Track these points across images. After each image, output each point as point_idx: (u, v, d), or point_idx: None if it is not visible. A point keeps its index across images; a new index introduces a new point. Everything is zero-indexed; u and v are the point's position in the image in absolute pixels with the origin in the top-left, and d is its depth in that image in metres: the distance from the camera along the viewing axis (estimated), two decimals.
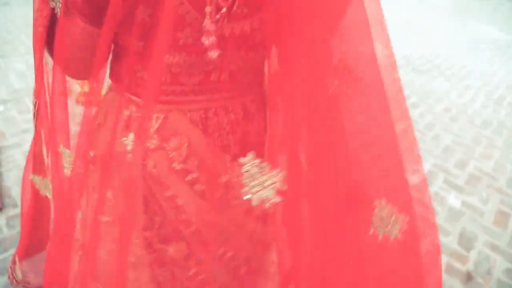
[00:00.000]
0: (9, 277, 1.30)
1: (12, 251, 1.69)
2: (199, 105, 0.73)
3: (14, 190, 2.10)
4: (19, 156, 2.40)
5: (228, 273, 0.86)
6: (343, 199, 0.71)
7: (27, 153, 1.15)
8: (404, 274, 0.75)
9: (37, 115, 0.98)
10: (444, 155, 2.96)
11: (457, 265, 2.01)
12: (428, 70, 4.57)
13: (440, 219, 2.30)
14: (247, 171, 0.65)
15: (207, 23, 0.61)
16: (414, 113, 3.47)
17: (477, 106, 3.91)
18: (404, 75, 4.22)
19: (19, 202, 1.95)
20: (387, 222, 0.68)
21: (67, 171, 0.83)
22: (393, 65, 0.66)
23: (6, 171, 2.28)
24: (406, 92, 3.79)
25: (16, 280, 1.27)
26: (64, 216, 0.85)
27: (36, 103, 0.95)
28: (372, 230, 0.69)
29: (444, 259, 2.02)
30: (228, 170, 0.76)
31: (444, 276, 1.93)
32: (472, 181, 2.71)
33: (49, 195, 1.05)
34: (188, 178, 0.75)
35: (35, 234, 1.20)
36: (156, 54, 0.57)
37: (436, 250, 0.76)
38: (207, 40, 0.62)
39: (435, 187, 2.57)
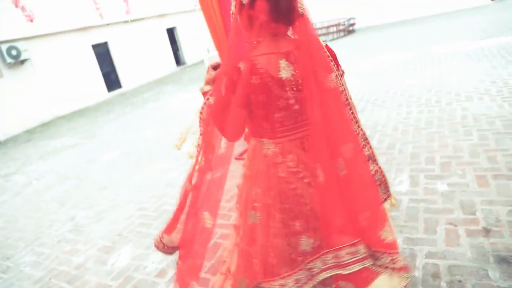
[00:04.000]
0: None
1: None
2: (296, 136, 1.38)
3: None
4: None
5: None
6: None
7: None
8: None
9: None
10: (414, 160, 3.48)
11: (473, 227, 2.38)
12: (364, 108, 5.36)
13: (440, 204, 2.72)
14: None
15: (290, 95, 1.31)
16: (373, 141, 4.07)
17: (414, 114, 4.64)
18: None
19: None
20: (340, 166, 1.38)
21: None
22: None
23: None
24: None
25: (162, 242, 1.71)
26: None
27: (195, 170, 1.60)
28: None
29: (462, 230, 2.40)
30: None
31: (469, 239, 2.29)
32: (445, 167, 3.22)
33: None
34: (300, 175, 1.37)
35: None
36: (271, 115, 1.33)
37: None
38: (291, 101, 1.32)
39: (422, 184, 3.03)
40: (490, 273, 2.01)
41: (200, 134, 1.63)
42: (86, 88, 13.65)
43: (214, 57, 5.50)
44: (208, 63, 5.75)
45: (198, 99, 8.95)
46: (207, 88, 1.58)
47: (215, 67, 1.58)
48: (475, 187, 2.82)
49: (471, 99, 4.72)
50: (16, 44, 11.27)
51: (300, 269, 1.38)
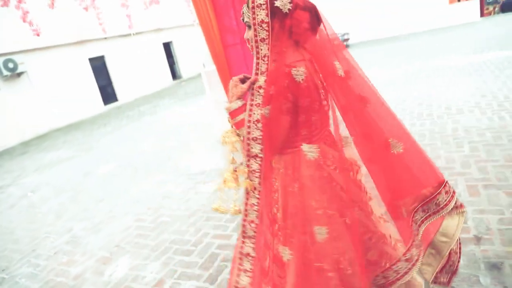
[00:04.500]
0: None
1: None
2: (324, 135, 1.48)
3: None
4: None
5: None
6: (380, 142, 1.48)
7: None
8: (405, 169, 1.50)
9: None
10: None
11: (465, 235, 2.45)
12: None
13: None
14: None
15: (322, 97, 1.42)
16: None
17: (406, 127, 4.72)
18: None
19: None
20: (394, 145, 1.45)
21: None
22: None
23: None
24: None
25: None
26: None
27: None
28: (391, 150, 1.45)
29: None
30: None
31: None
32: None
33: None
34: (338, 172, 1.46)
35: None
36: (310, 118, 1.40)
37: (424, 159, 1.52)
38: (324, 102, 1.44)
39: None
40: (481, 279, 2.06)
41: (250, 157, 1.42)
42: (82, 101, 13.71)
43: (211, 71, 5.59)
44: (205, 78, 5.84)
45: (194, 113, 9.06)
46: (239, 103, 1.40)
47: (242, 80, 1.46)
48: (466, 196, 2.89)
49: (462, 112, 4.84)
50: (13, 57, 11.35)
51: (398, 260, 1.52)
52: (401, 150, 1.43)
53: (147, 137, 7.86)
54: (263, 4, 1.25)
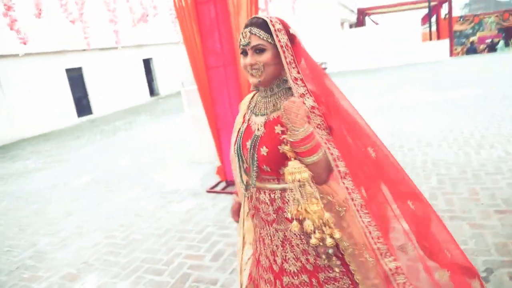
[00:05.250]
0: None
1: None
2: None
3: None
4: None
5: None
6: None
7: None
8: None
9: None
10: None
11: (430, 264, 2.54)
12: None
13: (402, 241, 2.88)
14: None
15: None
16: None
17: None
18: None
19: None
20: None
21: None
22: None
23: None
24: None
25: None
26: None
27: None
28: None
29: (420, 266, 2.55)
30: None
31: (426, 275, 2.44)
32: None
33: None
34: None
35: None
36: None
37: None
38: None
39: None
40: None
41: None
42: (55, 111, 13.40)
43: (191, 90, 5.64)
44: (185, 96, 5.87)
45: (171, 131, 9.01)
46: (309, 128, 1.17)
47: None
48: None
49: (431, 146, 5.07)
50: None
51: None
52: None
53: (122, 152, 7.75)
54: (282, 30, 1.24)
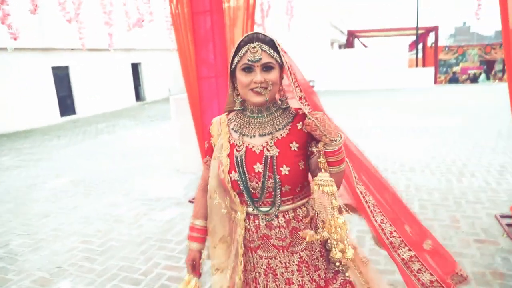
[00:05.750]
0: None
1: None
2: None
3: None
4: None
5: None
6: None
7: None
8: None
9: None
10: (361, 221, 3.68)
11: None
12: None
13: (383, 265, 2.89)
14: None
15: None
16: None
17: None
18: None
19: None
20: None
21: None
22: None
23: None
24: None
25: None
26: None
27: None
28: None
29: None
30: None
31: None
32: None
33: None
34: None
35: None
36: None
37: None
38: None
39: (368, 245, 3.22)
40: None
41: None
42: (38, 109, 13.09)
43: (180, 99, 5.61)
44: (173, 104, 5.83)
45: (156, 137, 8.91)
46: (343, 137, 1.20)
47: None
48: None
49: (414, 171, 5.16)
50: None
51: None
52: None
53: (104, 155, 7.60)
54: (286, 53, 1.25)
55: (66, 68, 14.54)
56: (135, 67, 18.58)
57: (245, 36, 1.23)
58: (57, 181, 5.94)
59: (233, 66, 1.26)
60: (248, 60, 1.20)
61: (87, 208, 4.64)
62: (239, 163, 1.25)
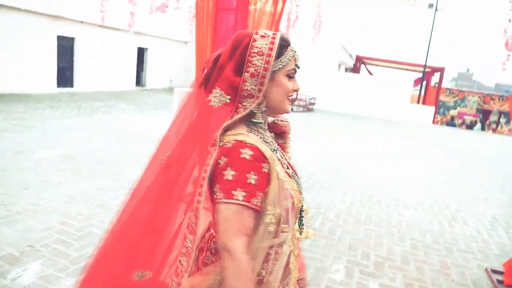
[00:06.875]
0: None
1: None
2: None
3: None
4: None
5: None
6: None
7: None
8: None
9: None
10: (351, 252, 3.59)
11: None
12: (312, 186, 5.53)
13: None
14: None
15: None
16: (316, 222, 4.16)
17: (356, 207, 4.86)
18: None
19: None
20: None
21: None
22: None
23: None
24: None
25: None
26: None
27: None
28: None
29: None
30: None
31: None
32: (379, 266, 3.34)
33: None
34: None
35: None
36: None
37: None
38: None
39: (356, 278, 3.10)
40: None
41: None
42: (35, 75, 12.79)
43: (187, 92, 5.46)
44: (177, 95, 5.67)
45: (154, 125, 8.71)
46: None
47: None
48: None
49: (408, 207, 5.08)
50: None
51: None
52: None
53: (99, 135, 7.39)
54: None
55: (72, 39, 14.29)
56: (141, 52, 18.37)
57: (280, 37, 1.05)
58: (45, 153, 5.72)
59: (276, 68, 1.05)
60: (296, 66, 1.09)
61: (72, 187, 4.45)
62: (299, 187, 1.14)
